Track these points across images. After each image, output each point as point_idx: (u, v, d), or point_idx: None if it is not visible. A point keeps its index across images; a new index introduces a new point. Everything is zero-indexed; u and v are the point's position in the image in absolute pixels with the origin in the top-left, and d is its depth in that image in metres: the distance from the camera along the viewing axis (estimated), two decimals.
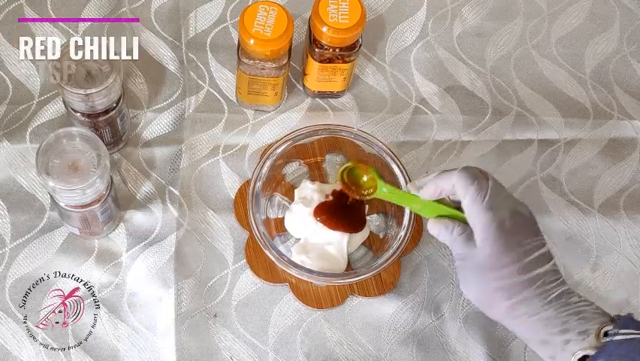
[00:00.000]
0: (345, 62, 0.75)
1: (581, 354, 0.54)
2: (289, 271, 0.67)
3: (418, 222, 0.74)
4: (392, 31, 0.86)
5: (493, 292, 0.57)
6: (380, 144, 0.72)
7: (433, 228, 0.61)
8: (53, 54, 0.68)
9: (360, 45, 0.74)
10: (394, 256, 0.68)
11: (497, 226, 0.57)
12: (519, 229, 0.57)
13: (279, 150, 0.72)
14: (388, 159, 0.71)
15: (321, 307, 0.71)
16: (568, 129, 0.82)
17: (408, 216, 0.69)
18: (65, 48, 0.67)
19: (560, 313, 0.56)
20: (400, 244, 0.68)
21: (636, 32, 0.89)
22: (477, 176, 0.58)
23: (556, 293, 0.56)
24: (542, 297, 0.56)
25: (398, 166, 0.71)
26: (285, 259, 0.67)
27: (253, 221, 0.68)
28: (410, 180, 0.70)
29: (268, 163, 0.71)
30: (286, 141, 0.72)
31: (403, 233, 0.69)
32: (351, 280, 0.68)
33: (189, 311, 0.70)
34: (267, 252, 0.67)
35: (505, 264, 0.56)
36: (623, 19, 0.89)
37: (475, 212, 0.57)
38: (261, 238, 0.68)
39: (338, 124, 0.74)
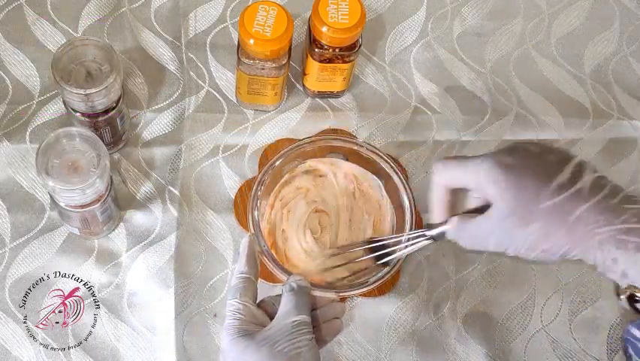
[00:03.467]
0: (345, 62, 0.75)
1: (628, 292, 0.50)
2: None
3: (418, 222, 0.74)
4: (392, 31, 0.86)
5: (549, 216, 0.50)
6: (384, 156, 0.72)
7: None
8: (53, 54, 0.68)
9: (360, 45, 0.74)
10: (396, 266, 0.68)
11: (502, 170, 0.51)
12: (526, 161, 0.51)
13: (275, 166, 0.72)
14: (391, 172, 0.72)
15: None
16: (568, 129, 0.82)
17: (409, 225, 0.69)
18: (65, 48, 0.67)
19: (631, 222, 0.49)
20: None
21: (636, 32, 0.89)
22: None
23: (617, 200, 0.49)
24: (602, 205, 0.49)
25: (400, 179, 0.71)
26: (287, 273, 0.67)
27: (266, 252, 0.68)
28: (412, 194, 0.70)
29: (262, 187, 0.71)
30: (279, 158, 0.72)
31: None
32: (351, 293, 0.68)
33: (189, 311, 0.70)
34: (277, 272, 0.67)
35: (536, 187, 0.50)
36: (622, 19, 0.89)
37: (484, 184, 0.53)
38: (267, 255, 0.68)
39: (343, 136, 0.74)
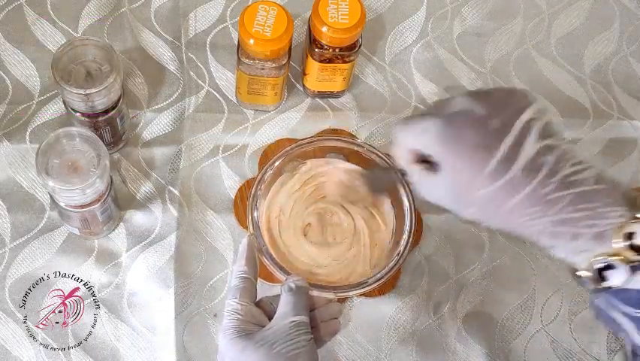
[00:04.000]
0: (345, 62, 0.75)
1: (600, 263, 0.46)
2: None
3: (418, 222, 0.74)
4: (392, 31, 0.86)
5: (482, 205, 0.49)
6: (385, 157, 0.72)
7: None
8: (53, 54, 0.68)
9: (360, 45, 0.74)
10: (396, 266, 0.68)
11: (446, 138, 0.48)
12: (465, 132, 0.48)
13: (273, 166, 0.72)
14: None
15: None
16: (568, 129, 0.82)
17: (409, 225, 0.69)
18: (65, 48, 0.67)
19: (565, 212, 0.46)
20: (401, 255, 0.68)
21: (636, 32, 0.89)
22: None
23: (552, 187, 0.46)
24: (536, 196, 0.47)
25: (400, 180, 0.71)
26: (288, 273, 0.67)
27: (265, 252, 0.68)
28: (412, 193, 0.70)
29: (262, 187, 0.71)
30: (280, 157, 0.72)
31: (404, 239, 0.69)
32: (350, 293, 0.67)
33: (189, 311, 0.70)
34: (277, 273, 0.67)
35: (471, 173, 0.48)
36: (622, 19, 0.89)
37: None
38: (266, 255, 0.68)
39: (343, 137, 0.74)
